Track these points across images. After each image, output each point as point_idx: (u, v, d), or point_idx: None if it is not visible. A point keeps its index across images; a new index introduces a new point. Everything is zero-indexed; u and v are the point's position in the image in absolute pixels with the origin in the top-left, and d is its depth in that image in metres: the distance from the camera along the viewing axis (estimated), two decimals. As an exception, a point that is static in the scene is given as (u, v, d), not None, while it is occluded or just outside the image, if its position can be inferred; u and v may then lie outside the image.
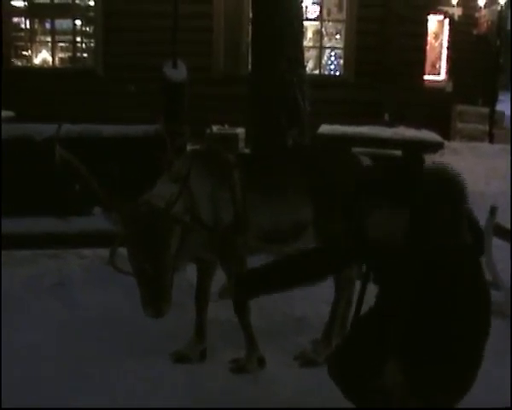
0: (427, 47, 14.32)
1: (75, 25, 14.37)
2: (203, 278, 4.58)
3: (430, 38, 14.80)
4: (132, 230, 3.68)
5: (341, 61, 14.01)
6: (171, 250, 3.72)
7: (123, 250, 3.78)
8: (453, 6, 14.66)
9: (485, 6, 14.39)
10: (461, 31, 15.02)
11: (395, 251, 2.90)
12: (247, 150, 8.41)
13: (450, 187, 2.94)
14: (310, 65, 13.78)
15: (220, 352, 4.58)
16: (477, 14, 14.65)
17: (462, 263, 2.87)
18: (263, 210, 4.32)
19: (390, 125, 11.72)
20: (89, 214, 5.83)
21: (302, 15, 7.46)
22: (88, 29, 14.51)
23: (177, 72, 6.74)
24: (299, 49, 7.00)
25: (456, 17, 14.82)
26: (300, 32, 7.14)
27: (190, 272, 4.72)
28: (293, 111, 6.67)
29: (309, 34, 13.92)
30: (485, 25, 15.03)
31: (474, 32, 15.18)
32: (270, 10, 6.76)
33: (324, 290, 5.19)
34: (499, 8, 15.08)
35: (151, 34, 12.82)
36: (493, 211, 5.65)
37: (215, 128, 10.89)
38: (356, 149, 9.45)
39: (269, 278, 3.48)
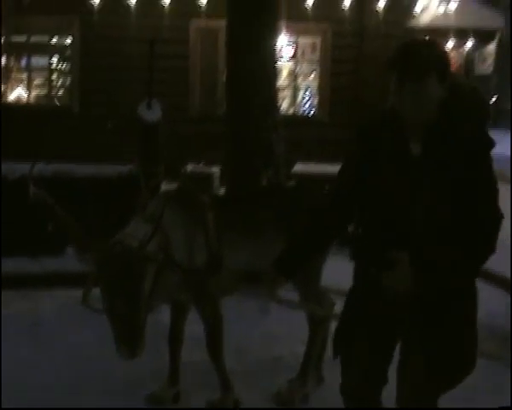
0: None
1: (51, 62, 14.38)
2: (177, 320, 4.56)
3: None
4: (106, 270, 3.66)
5: (316, 101, 14.14)
6: (144, 291, 3.70)
7: (96, 290, 3.76)
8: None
9: (452, 49, 14.66)
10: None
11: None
12: (222, 189, 8.41)
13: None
14: (284, 104, 13.89)
15: (194, 394, 4.55)
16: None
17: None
18: (237, 251, 4.33)
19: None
20: (61, 254, 5.79)
21: (276, 56, 7.52)
22: (64, 67, 14.52)
23: (152, 112, 6.76)
24: (274, 90, 7.06)
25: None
26: (275, 73, 7.19)
27: (165, 314, 4.70)
28: (267, 152, 6.71)
29: (284, 74, 14.05)
30: (454, 67, 15.29)
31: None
32: (245, 52, 6.81)
33: (301, 330, 5.20)
34: (466, 51, 15.40)
35: (128, 74, 12.85)
36: None
37: (191, 167, 10.89)
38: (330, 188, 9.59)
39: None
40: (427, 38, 2.96)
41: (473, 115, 2.84)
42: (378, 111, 3.09)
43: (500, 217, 2.80)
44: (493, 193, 2.80)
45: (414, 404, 2.93)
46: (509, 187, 9.49)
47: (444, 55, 2.81)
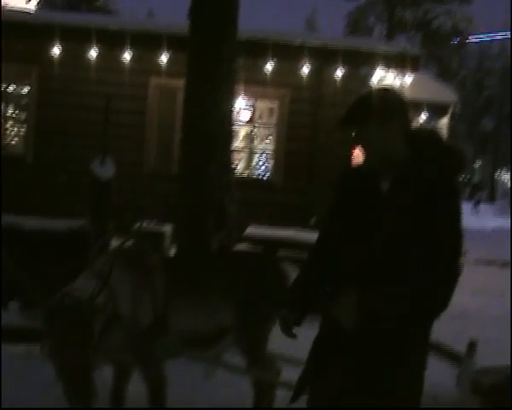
0: (354, 155, 14.74)
1: (7, 111, 14.29)
2: (119, 381, 4.49)
3: (355, 147, 15.27)
4: (54, 322, 3.59)
5: (271, 165, 14.24)
6: (93, 342, 3.64)
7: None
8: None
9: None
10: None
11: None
12: (173, 248, 8.38)
13: None
14: (240, 166, 13.98)
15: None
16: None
17: None
18: (183, 314, 4.30)
19: (316, 228, 11.86)
20: (4, 309, 5.67)
21: (233, 119, 7.59)
22: (20, 116, 14.44)
23: (105, 169, 6.74)
24: (229, 153, 7.10)
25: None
26: (230, 135, 7.25)
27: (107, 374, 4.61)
28: (220, 214, 6.72)
29: (240, 136, 14.17)
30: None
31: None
32: (201, 113, 6.87)
33: (247, 395, 5.16)
34: (420, 123, 15.78)
35: (84, 127, 12.82)
36: (472, 346, 4.96)
37: (143, 225, 10.85)
38: (282, 253, 9.62)
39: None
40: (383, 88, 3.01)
41: (443, 161, 2.87)
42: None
43: (456, 274, 2.80)
44: (454, 248, 2.81)
45: None
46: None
47: (386, 101, 2.90)
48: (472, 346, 4.91)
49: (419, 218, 2.75)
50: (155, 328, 4.15)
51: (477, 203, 38.00)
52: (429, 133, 3.00)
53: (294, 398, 3.08)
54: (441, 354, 5.04)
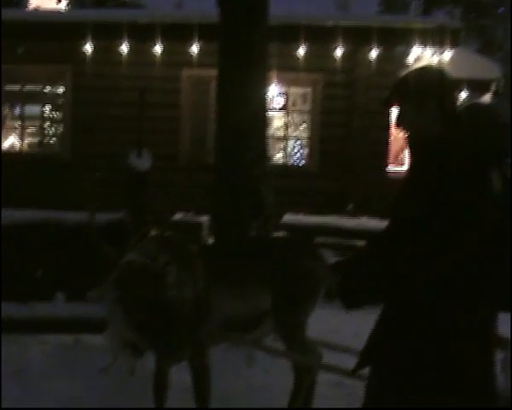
0: (391, 139, 14.63)
1: (44, 111, 14.50)
2: (162, 368, 4.55)
3: (393, 129, 15.13)
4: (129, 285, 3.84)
5: (306, 151, 14.22)
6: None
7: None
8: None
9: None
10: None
11: None
12: (211, 238, 8.44)
13: None
14: (274, 155, 13.99)
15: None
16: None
17: None
18: (224, 300, 4.35)
19: (353, 215, 11.85)
20: (50, 300, 5.79)
21: (267, 107, 7.58)
22: (57, 115, 14.64)
23: (142, 161, 6.81)
24: (264, 141, 7.11)
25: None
26: (265, 123, 7.24)
27: (150, 361, 4.69)
28: (256, 202, 6.74)
29: (274, 124, 14.17)
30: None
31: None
32: (235, 102, 6.88)
33: (286, 380, 5.19)
34: (461, 101, 15.54)
35: (119, 122, 12.95)
36: None
37: (180, 216, 10.94)
38: (320, 240, 9.63)
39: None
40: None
41: (484, 139, 2.86)
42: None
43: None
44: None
45: None
46: None
47: (423, 82, 2.89)
48: None
49: (457, 197, 2.67)
50: (197, 314, 4.19)
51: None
52: (472, 111, 2.98)
53: (356, 369, 3.07)
54: None
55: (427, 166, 2.76)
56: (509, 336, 4.03)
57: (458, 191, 2.67)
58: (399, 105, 2.98)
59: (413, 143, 2.94)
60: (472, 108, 3.01)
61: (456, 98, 2.97)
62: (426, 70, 3.03)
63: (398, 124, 3.00)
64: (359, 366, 3.06)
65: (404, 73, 3.07)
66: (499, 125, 2.91)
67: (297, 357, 4.64)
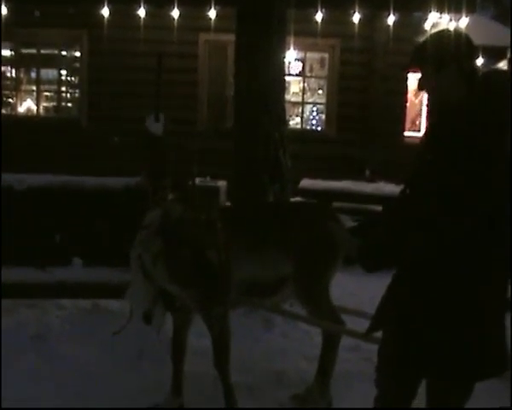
0: (408, 104, 14.54)
1: (61, 75, 14.49)
2: (179, 331, 4.58)
3: (410, 95, 15.04)
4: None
5: (323, 117, 14.18)
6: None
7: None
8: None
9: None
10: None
11: None
12: (228, 204, 8.43)
13: None
14: (292, 120, 13.94)
15: (198, 407, 4.56)
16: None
17: None
18: (243, 264, 4.35)
19: (371, 180, 11.82)
20: (68, 265, 5.82)
21: (285, 72, 7.55)
22: (73, 79, 14.63)
23: (159, 125, 6.77)
24: (282, 105, 7.08)
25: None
26: (283, 88, 7.21)
27: (168, 325, 4.71)
28: (274, 167, 6.73)
29: (291, 89, 14.11)
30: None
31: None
32: (253, 67, 6.84)
33: (303, 345, 5.22)
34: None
35: (136, 87, 12.92)
36: None
37: (197, 180, 10.96)
38: (337, 204, 9.62)
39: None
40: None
41: (498, 104, 2.80)
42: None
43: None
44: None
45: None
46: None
47: (440, 47, 2.91)
48: None
49: (472, 159, 2.66)
50: (217, 277, 4.18)
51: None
52: (488, 75, 2.95)
53: (369, 332, 3.17)
54: None
55: (450, 129, 2.76)
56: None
57: (482, 152, 2.66)
58: (420, 69, 3.00)
59: (435, 106, 2.94)
60: (489, 75, 2.97)
61: (474, 61, 2.99)
62: (444, 33, 3.02)
63: (421, 87, 3.03)
64: (372, 328, 3.14)
65: (424, 37, 3.05)
66: None
67: (316, 322, 4.66)
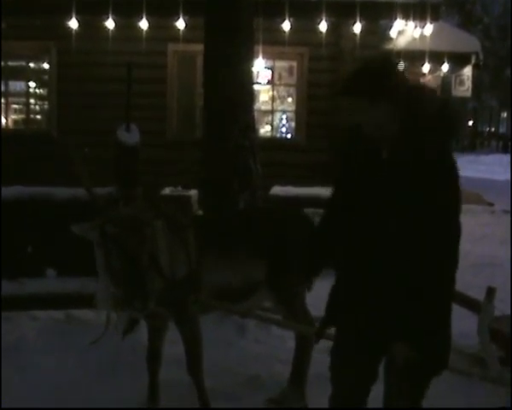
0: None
1: (29, 87, 14.42)
2: (154, 339, 4.60)
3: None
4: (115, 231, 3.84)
5: (293, 124, 14.27)
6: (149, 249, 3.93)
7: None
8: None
9: (429, 72, 14.89)
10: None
11: None
12: (200, 212, 8.47)
13: None
14: (262, 128, 14.02)
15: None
16: (422, 80, 15.15)
17: None
18: (216, 269, 4.40)
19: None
20: (41, 276, 5.82)
21: (253, 80, 7.62)
22: (42, 92, 14.56)
23: (131, 135, 6.81)
24: (251, 114, 7.14)
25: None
26: (252, 97, 7.28)
27: (143, 334, 4.74)
28: (245, 175, 6.79)
29: (261, 98, 14.19)
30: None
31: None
32: (222, 76, 6.90)
33: (277, 349, 5.27)
34: (442, 74, 15.67)
35: (105, 98, 12.91)
36: (491, 292, 4.92)
37: (169, 190, 10.96)
38: (308, 211, 9.67)
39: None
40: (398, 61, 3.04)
41: (437, 127, 2.89)
42: (348, 129, 3.21)
43: (458, 232, 2.88)
44: (451, 213, 2.88)
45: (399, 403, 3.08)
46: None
47: (379, 77, 2.92)
48: (490, 293, 4.87)
49: (414, 186, 2.82)
50: (190, 283, 4.23)
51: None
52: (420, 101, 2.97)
53: (317, 337, 3.39)
54: (463, 303, 5.05)
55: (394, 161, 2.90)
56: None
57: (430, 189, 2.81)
58: (351, 100, 2.99)
59: (376, 135, 2.98)
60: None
61: (405, 90, 2.96)
62: (376, 63, 3.04)
63: (353, 115, 3.01)
64: (322, 327, 3.31)
65: (356, 66, 3.10)
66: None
67: (291, 325, 4.72)
